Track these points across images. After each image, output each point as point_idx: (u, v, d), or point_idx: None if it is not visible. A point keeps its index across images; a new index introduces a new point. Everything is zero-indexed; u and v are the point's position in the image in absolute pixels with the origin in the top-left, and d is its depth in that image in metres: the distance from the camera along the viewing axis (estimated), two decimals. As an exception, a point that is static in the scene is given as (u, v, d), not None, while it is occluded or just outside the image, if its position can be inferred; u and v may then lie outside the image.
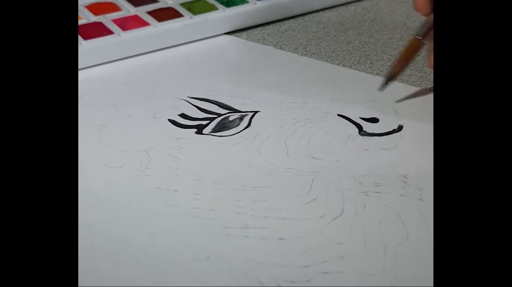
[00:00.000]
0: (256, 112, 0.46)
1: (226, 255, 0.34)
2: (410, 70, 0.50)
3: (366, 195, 0.38)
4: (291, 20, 0.59)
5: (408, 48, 0.45)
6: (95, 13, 0.55)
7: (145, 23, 0.54)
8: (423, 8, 0.44)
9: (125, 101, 0.47)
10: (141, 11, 0.55)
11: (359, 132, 0.44)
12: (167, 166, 0.41)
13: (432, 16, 0.44)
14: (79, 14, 0.55)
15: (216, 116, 0.45)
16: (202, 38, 0.55)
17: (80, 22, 0.54)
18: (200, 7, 0.56)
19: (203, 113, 0.46)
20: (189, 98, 0.47)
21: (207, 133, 0.44)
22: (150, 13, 0.55)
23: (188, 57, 0.53)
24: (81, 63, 0.51)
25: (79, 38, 0.51)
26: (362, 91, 0.48)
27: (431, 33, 0.44)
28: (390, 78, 0.46)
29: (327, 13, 0.60)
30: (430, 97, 0.46)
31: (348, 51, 0.53)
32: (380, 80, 0.46)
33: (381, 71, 0.50)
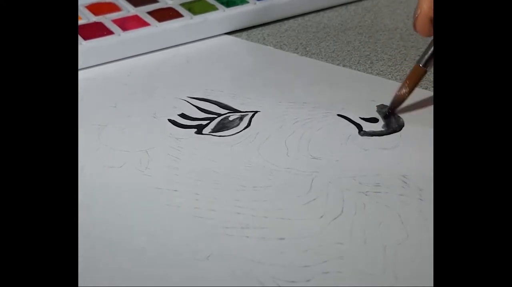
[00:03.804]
0: (256, 112, 0.46)
1: (226, 255, 0.34)
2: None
3: (366, 195, 0.38)
4: (291, 20, 0.59)
5: (412, 75, 0.44)
6: (95, 13, 0.55)
7: (145, 23, 0.54)
8: (424, 30, 0.43)
9: (125, 101, 0.47)
10: (141, 11, 0.55)
11: (359, 132, 0.44)
12: (167, 166, 0.41)
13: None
14: (79, 14, 0.55)
15: (216, 116, 0.45)
16: (202, 38, 0.55)
17: (80, 22, 0.54)
18: (200, 7, 0.56)
19: (203, 113, 0.46)
20: (189, 98, 0.47)
21: (207, 133, 0.44)
22: (150, 13, 0.55)
23: (188, 57, 0.53)
24: (81, 63, 0.50)
25: (79, 38, 0.51)
26: (362, 91, 0.48)
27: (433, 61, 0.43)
28: (396, 104, 0.45)
29: (327, 13, 0.60)
30: (430, 97, 0.46)
31: (348, 51, 0.53)
32: (380, 80, 0.46)
33: (381, 71, 0.50)
